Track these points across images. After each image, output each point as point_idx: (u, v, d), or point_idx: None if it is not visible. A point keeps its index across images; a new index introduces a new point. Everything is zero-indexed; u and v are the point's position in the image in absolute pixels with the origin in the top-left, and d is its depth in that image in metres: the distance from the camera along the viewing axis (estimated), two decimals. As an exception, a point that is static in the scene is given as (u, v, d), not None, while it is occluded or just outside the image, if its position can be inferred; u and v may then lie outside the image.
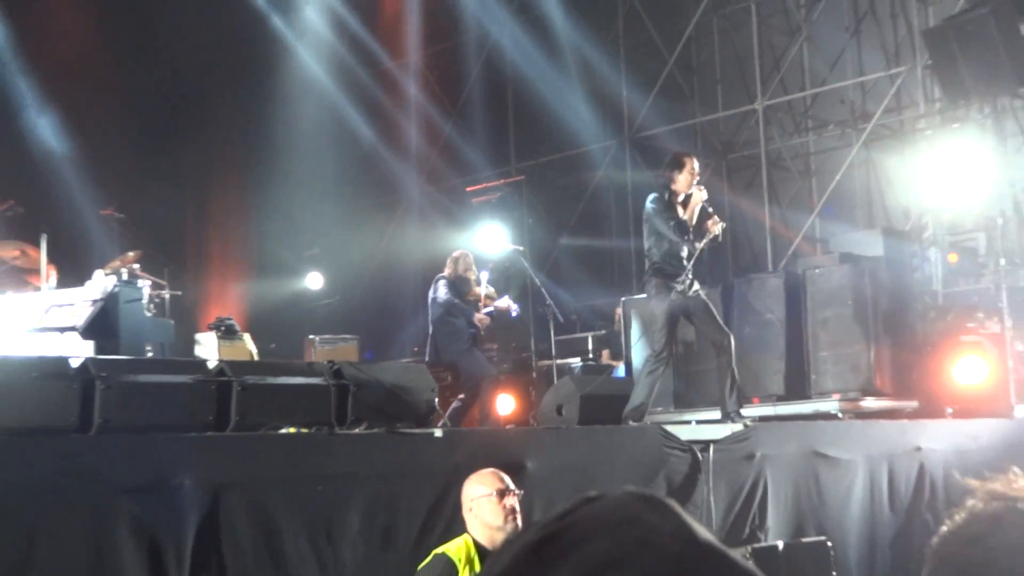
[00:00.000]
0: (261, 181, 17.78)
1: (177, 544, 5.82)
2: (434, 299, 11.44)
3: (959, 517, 1.63)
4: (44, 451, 5.77)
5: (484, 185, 16.46)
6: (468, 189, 16.65)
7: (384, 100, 19.33)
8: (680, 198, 9.54)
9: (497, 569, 0.90)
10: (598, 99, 18.53)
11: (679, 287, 9.35)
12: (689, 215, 9.51)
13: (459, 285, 11.46)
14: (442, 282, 11.43)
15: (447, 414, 10.79)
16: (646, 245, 9.69)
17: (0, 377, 6.00)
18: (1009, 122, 14.46)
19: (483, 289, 11.62)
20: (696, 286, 9.55)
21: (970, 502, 1.64)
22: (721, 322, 9.71)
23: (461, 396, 11.01)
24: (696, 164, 9.74)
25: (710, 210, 9.69)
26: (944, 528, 1.65)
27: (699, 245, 9.50)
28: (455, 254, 11.82)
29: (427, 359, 11.36)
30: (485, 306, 11.56)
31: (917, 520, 9.25)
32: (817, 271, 12.13)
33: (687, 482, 8.04)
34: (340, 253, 18.90)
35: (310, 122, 18.42)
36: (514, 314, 12.00)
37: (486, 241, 13.15)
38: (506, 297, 11.91)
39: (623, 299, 13.75)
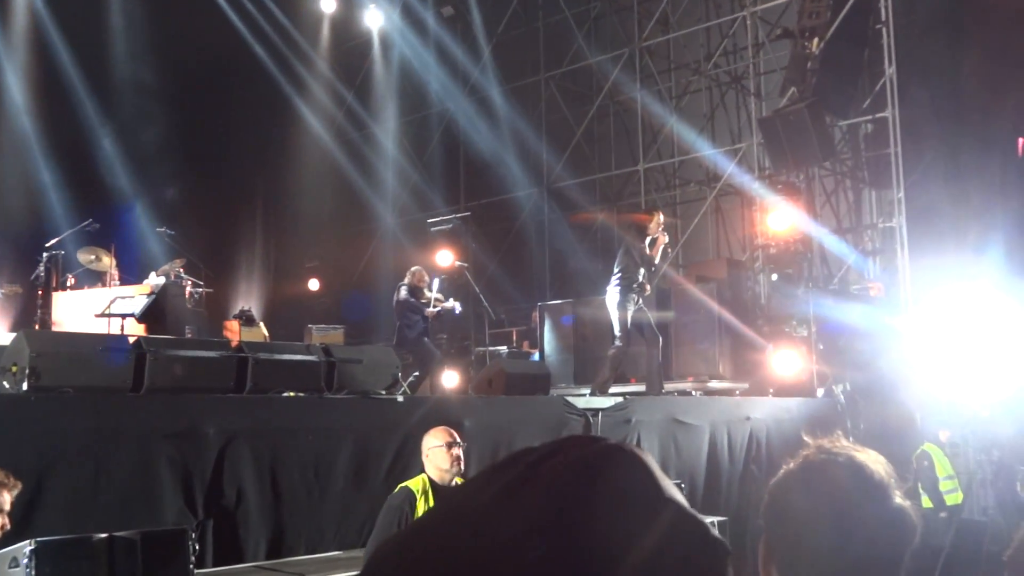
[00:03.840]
0: (276, 210, 17.58)
1: (203, 477, 5.71)
2: (396, 300, 11.23)
3: (794, 464, 1.59)
4: (107, 405, 5.64)
5: (440, 218, 16.37)
6: (428, 221, 16.55)
7: (369, 154, 19.21)
8: (648, 240, 9.79)
9: (482, 500, 0.74)
10: (525, 158, 18.53)
11: (635, 299, 9.64)
12: (654, 252, 9.79)
13: (415, 291, 11.26)
14: (403, 288, 11.21)
15: (406, 384, 10.67)
16: (617, 265, 9.77)
17: (76, 349, 5.86)
18: (816, 185, 14.65)
19: (433, 294, 11.44)
20: (641, 301, 9.74)
21: (803, 453, 1.60)
22: (653, 327, 9.85)
23: (416, 372, 10.87)
24: (661, 217, 10.04)
25: (669, 250, 10.02)
26: (781, 472, 1.61)
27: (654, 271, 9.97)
28: (412, 269, 11.56)
29: (394, 343, 11.21)
30: (435, 307, 11.39)
31: (747, 469, 9.33)
32: (679, 288, 12.21)
33: (582, 439, 8.01)
34: (333, 265, 18.72)
35: (314, 168, 18.27)
36: (458, 311, 11.82)
37: (441, 259, 13.08)
38: (451, 300, 11.75)
39: (539, 304, 13.77)
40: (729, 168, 15.36)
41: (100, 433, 5.41)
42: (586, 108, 17.88)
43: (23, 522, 3.78)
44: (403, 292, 11.15)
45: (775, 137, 12.97)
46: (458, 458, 4.98)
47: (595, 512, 0.73)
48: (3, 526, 3.58)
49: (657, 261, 9.86)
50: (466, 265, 12.35)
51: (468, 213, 16.97)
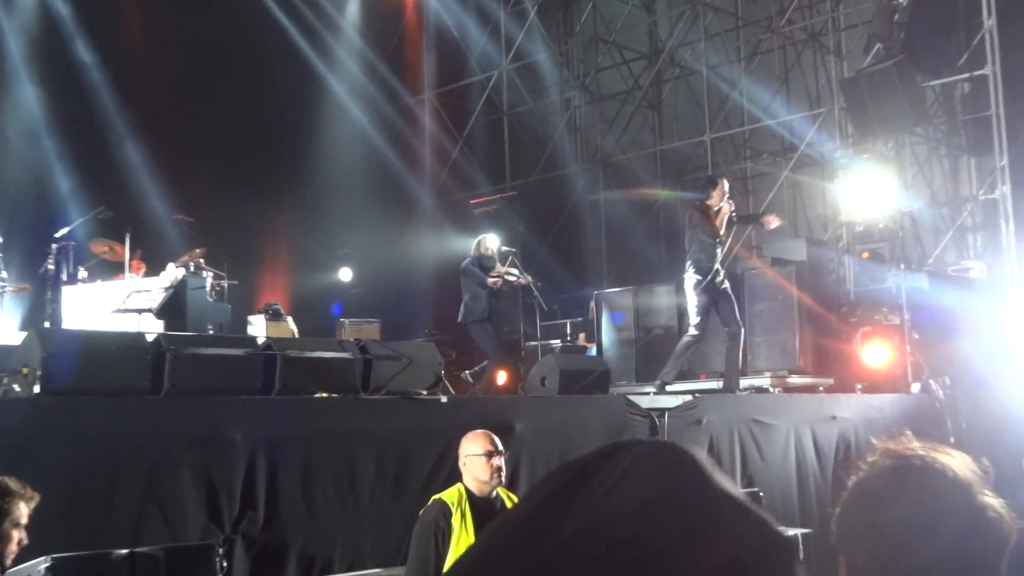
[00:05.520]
0: (304, 192, 17.68)
1: (229, 487, 5.76)
2: (461, 269, 11.16)
3: (864, 473, 1.60)
4: (124, 409, 5.71)
5: (484, 199, 16.38)
6: (471, 202, 16.56)
7: (404, 129, 19.27)
8: (714, 210, 9.74)
9: (531, 503, 0.77)
10: (577, 130, 18.48)
11: (715, 280, 9.59)
12: (719, 222, 9.72)
13: (483, 263, 11.09)
14: (468, 259, 11.16)
15: (472, 372, 10.68)
16: (688, 246, 9.81)
17: (90, 348, 5.93)
18: (907, 154, 14.44)
19: (505, 268, 11.23)
20: (725, 280, 9.69)
21: (872, 459, 1.60)
22: (737, 314, 9.80)
23: (484, 363, 10.81)
24: (726, 184, 9.96)
25: (735, 218, 9.98)
26: (851, 483, 1.60)
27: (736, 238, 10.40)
28: (477, 238, 11.52)
29: (459, 319, 11.15)
30: (504, 279, 11.21)
31: (835, 475, 9.22)
32: (753, 272, 12.10)
33: (646, 442, 7.98)
34: (366, 252, 18.81)
35: (344, 145, 18.35)
36: (532, 281, 11.64)
37: (485, 244, 13.05)
38: (527, 275, 11.61)
39: (595, 292, 13.73)
40: (807, 136, 15.19)
41: (118, 439, 5.49)
42: (645, 72, 17.77)
43: (37, 536, 3.84)
44: (465, 263, 11.04)
45: (859, 100, 12.81)
46: (499, 468, 4.91)
47: (646, 520, 0.74)
48: (20, 541, 3.64)
49: (722, 233, 9.79)
50: (514, 250, 12.25)
51: (515, 193, 16.94)
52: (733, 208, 9.91)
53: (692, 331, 9.74)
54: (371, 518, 6.32)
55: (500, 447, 4.97)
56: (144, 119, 15.21)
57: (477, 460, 4.89)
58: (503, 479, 4.96)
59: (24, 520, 3.65)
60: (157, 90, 15.20)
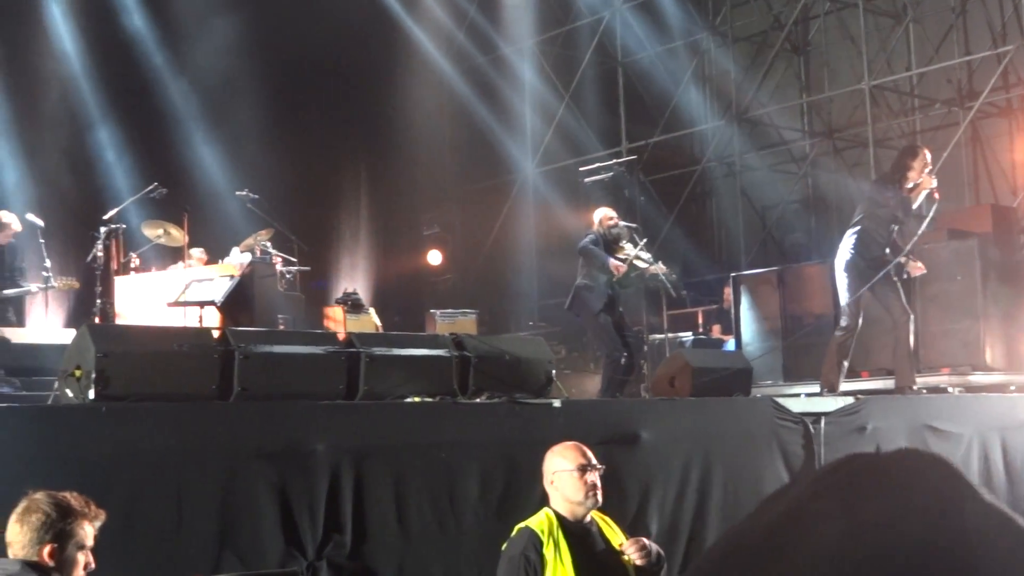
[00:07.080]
0: (384, 162, 17.89)
1: (311, 506, 5.87)
2: (578, 249, 10.74)
3: None
4: (187, 416, 5.83)
5: (596, 165, 16.35)
6: (580, 169, 16.56)
7: (499, 84, 19.32)
8: (910, 184, 9.75)
9: (779, 510, 0.84)
10: (707, 80, 18.30)
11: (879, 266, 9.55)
12: (915, 196, 9.76)
13: (609, 238, 10.70)
14: (588, 236, 10.79)
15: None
16: (858, 216, 9.85)
17: (147, 347, 6.07)
18: (1119, 99, 14.01)
19: (635, 251, 10.72)
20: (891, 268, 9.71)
21: None
22: (903, 299, 9.67)
23: (624, 355, 10.51)
24: (928, 155, 10.04)
25: (937, 196, 9.93)
26: None
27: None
28: (599, 211, 11.06)
29: (566, 307, 10.94)
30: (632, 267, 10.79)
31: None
32: (926, 247, 11.85)
33: (800, 453, 7.92)
34: (458, 231, 18.98)
35: (429, 105, 18.48)
36: (667, 273, 11.23)
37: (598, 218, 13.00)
38: (660, 264, 11.21)
39: (732, 275, 13.63)
40: (990, 80, 14.82)
41: (184, 451, 5.63)
42: (788, 7, 17.52)
43: (96, 560, 3.96)
44: (584, 243, 10.65)
45: (1057, 34, 12.44)
46: (594, 486, 4.83)
47: (903, 519, 0.83)
48: (87, 565, 3.76)
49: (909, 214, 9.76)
50: (634, 226, 12.12)
51: (633, 157, 16.89)
52: (935, 185, 9.79)
53: (842, 324, 9.63)
54: (475, 541, 6.37)
55: (594, 461, 4.92)
56: (200, 82, 15.52)
57: (567, 477, 4.83)
58: (599, 499, 4.91)
59: (90, 542, 3.77)
60: (214, 49, 15.49)
